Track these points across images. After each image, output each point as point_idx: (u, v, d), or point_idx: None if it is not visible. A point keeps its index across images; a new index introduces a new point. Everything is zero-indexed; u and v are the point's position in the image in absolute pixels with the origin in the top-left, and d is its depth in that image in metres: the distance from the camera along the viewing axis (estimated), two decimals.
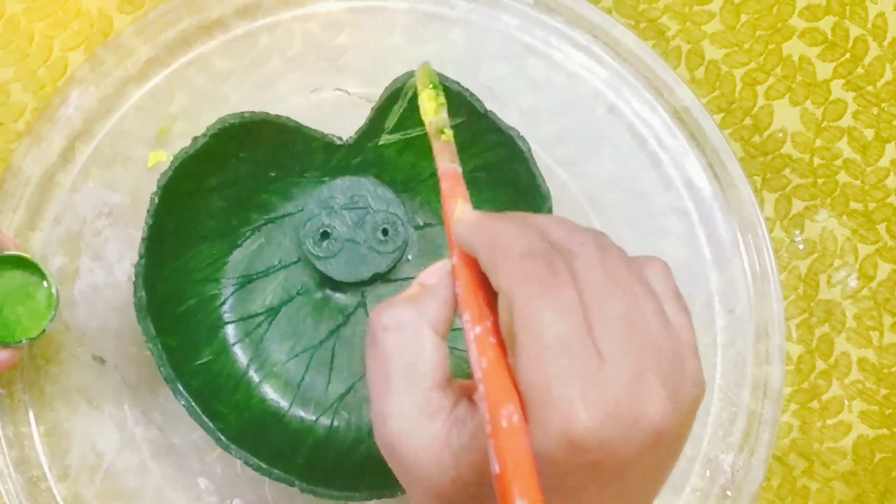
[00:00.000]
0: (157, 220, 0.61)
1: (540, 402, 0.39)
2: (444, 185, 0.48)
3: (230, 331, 0.66)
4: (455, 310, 0.45)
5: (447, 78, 0.62)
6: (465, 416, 0.43)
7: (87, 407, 0.68)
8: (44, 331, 0.62)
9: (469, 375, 0.44)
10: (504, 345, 0.42)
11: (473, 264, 0.44)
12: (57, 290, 0.63)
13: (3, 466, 0.67)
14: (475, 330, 0.42)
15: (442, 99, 0.54)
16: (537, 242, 0.42)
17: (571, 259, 0.41)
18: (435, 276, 0.46)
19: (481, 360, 0.41)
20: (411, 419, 0.43)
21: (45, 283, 0.63)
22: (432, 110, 0.53)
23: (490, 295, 0.43)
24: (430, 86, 0.54)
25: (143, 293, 0.60)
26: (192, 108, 0.70)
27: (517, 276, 0.41)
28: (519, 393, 0.40)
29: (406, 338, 0.44)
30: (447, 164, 0.50)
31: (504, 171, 0.65)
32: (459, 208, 0.47)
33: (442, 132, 0.51)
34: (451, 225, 0.46)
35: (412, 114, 0.64)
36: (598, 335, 0.39)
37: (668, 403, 0.39)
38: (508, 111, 0.70)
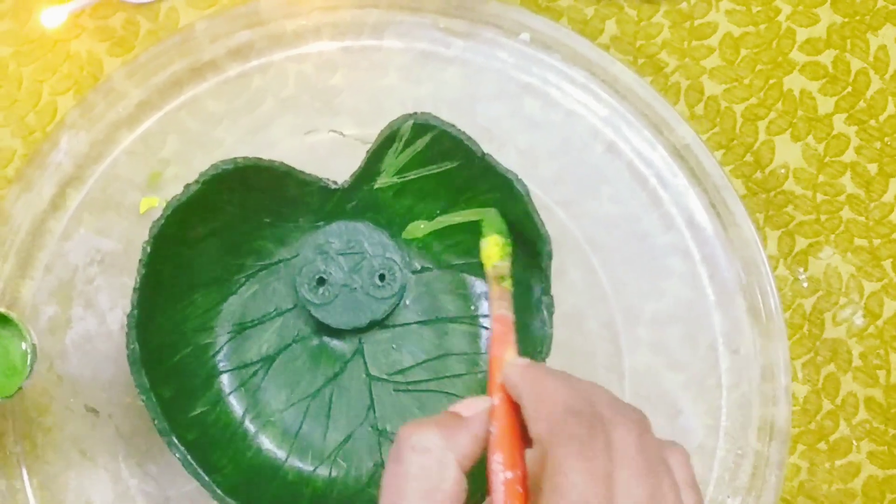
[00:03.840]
0: (150, 270, 0.60)
1: None
2: (497, 329, 0.50)
3: (225, 380, 0.65)
4: (483, 448, 0.45)
5: (444, 121, 0.61)
6: None
7: (81, 459, 0.66)
8: (20, 389, 0.61)
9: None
10: (528, 494, 0.43)
11: (514, 410, 0.46)
12: (35, 348, 0.62)
13: None
14: (506, 474, 0.44)
15: (509, 249, 0.56)
16: (583, 404, 0.43)
17: (611, 428, 0.42)
18: (471, 409, 0.47)
19: None
20: None
21: (23, 344, 0.62)
22: (497, 256, 0.55)
23: (523, 444, 0.45)
24: (498, 233, 0.57)
25: (136, 345, 0.59)
26: (184, 152, 0.69)
27: (558, 430, 0.42)
28: None
29: (431, 464, 0.44)
30: (503, 310, 0.51)
31: (503, 214, 0.63)
32: (510, 354, 0.48)
33: (503, 279, 0.53)
34: (498, 367, 0.48)
35: (408, 157, 0.63)
36: None
37: None
38: (506, 151, 0.69)
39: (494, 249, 0.55)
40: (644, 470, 0.41)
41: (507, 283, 0.53)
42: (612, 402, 0.44)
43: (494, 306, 0.52)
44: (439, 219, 0.66)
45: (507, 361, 0.48)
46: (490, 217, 0.58)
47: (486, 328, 0.66)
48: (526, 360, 0.48)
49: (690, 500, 0.44)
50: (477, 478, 0.45)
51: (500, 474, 0.44)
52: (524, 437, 0.45)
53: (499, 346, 0.49)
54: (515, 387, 0.46)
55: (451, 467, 0.44)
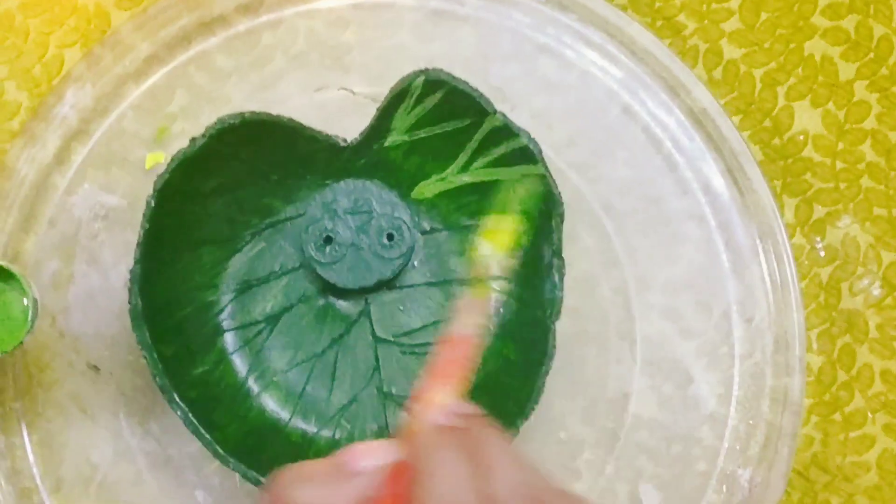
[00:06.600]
0: (154, 225, 0.59)
1: None
2: (445, 355, 0.41)
3: (229, 339, 0.64)
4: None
5: (456, 78, 0.60)
6: None
7: (82, 417, 0.65)
8: (20, 344, 0.60)
9: None
10: None
11: (411, 479, 0.39)
12: (36, 302, 0.61)
13: None
14: None
15: (522, 241, 0.43)
16: (467, 499, 0.38)
17: None
18: (367, 459, 0.40)
19: None
20: None
21: (25, 298, 0.60)
22: (502, 244, 0.42)
23: None
24: (522, 213, 0.44)
25: (139, 300, 0.58)
26: (191, 108, 0.68)
27: None
28: None
29: None
30: (469, 327, 0.41)
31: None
32: (441, 396, 0.40)
33: (485, 283, 0.41)
34: (417, 411, 0.40)
35: (419, 114, 0.62)
36: None
37: None
38: (519, 112, 0.67)
39: (504, 236, 0.41)
40: None
41: (489, 289, 0.41)
42: (518, 485, 0.38)
43: (461, 318, 0.41)
44: (450, 179, 0.64)
45: (432, 410, 0.40)
46: (521, 188, 0.45)
47: (497, 290, 0.64)
48: (443, 416, 0.40)
49: None
50: None
51: None
52: None
53: (437, 380, 0.40)
54: (416, 456, 0.39)
55: None
